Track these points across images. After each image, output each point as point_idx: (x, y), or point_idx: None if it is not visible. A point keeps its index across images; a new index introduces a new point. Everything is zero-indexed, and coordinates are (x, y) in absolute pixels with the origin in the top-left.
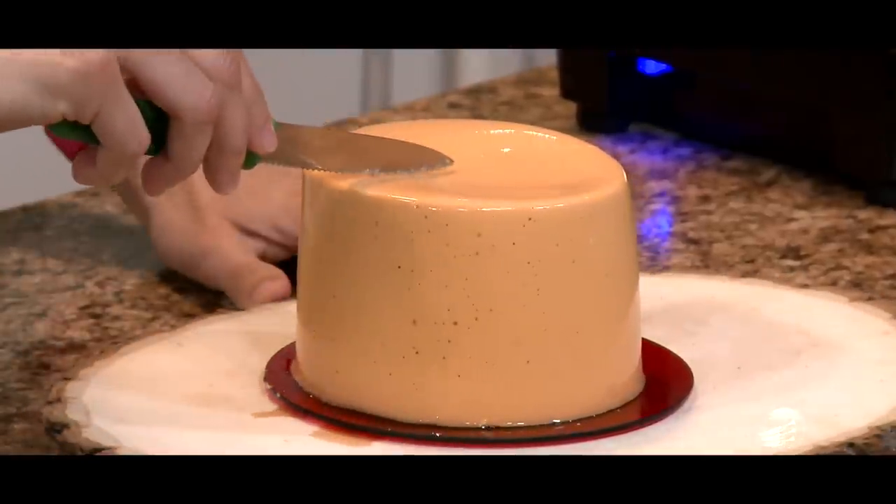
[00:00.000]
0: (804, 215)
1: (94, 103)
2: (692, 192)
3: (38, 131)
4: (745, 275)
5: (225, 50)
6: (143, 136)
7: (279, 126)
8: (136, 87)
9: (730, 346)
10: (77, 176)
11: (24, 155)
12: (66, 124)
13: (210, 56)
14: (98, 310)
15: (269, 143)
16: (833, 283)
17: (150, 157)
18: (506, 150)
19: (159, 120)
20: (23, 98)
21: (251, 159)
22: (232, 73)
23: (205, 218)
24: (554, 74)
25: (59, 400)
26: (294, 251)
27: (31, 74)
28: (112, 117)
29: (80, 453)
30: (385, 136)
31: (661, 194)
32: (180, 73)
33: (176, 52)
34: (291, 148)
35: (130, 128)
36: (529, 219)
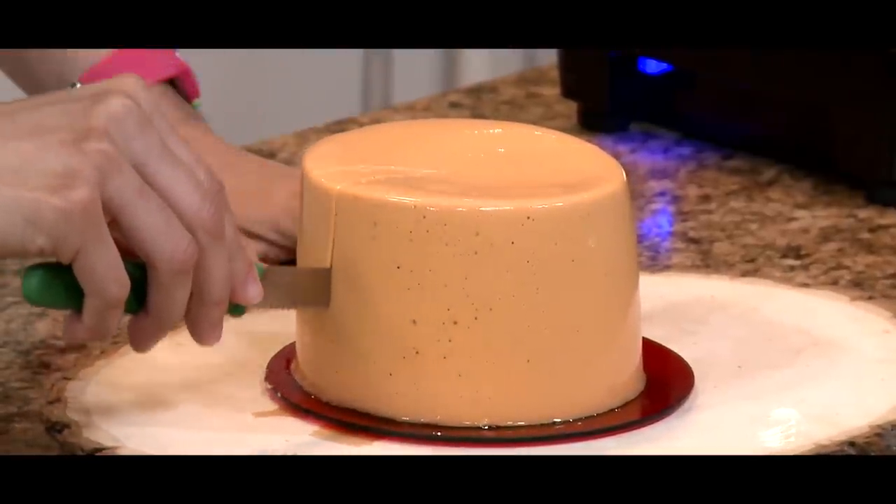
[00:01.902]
0: (805, 215)
1: (74, 242)
2: (693, 191)
3: None
4: (745, 274)
5: (209, 199)
6: (123, 279)
7: (264, 272)
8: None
9: (730, 345)
10: (67, 335)
11: None
12: (44, 283)
13: (194, 204)
14: None
15: (252, 293)
16: (834, 283)
17: (133, 315)
18: (505, 149)
19: (141, 278)
20: (2, 229)
21: (238, 308)
22: (215, 221)
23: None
24: (555, 74)
25: (59, 399)
26: (295, 253)
27: (14, 207)
28: (92, 258)
29: (80, 453)
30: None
31: (662, 194)
32: (160, 221)
33: (158, 200)
34: (278, 292)
35: (111, 270)
36: (529, 218)
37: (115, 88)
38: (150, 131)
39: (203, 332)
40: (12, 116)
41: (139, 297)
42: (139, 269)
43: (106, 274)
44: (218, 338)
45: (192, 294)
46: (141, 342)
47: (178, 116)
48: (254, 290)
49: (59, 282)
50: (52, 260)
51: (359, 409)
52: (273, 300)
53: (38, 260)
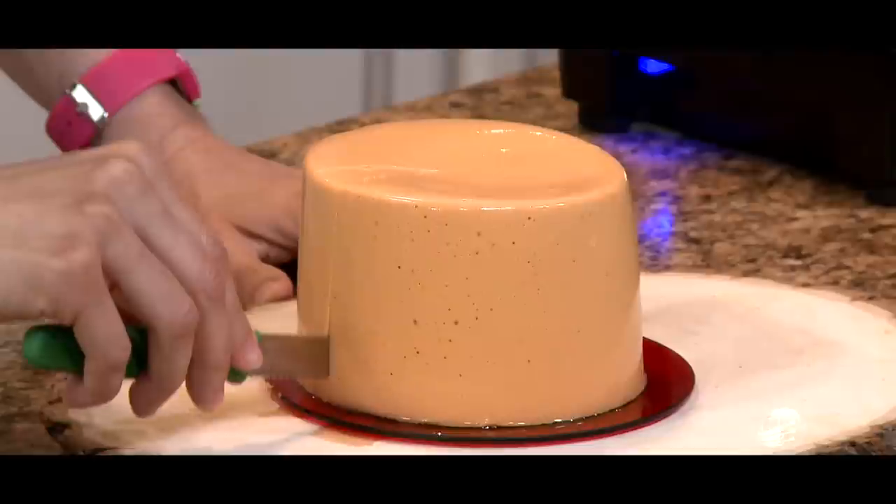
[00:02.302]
0: (806, 215)
1: (74, 304)
2: (694, 191)
3: (39, 130)
4: (746, 274)
5: (211, 264)
6: (124, 342)
7: (263, 338)
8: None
9: (731, 345)
10: (70, 400)
11: (26, 154)
12: (45, 345)
13: (195, 269)
14: None
15: (253, 359)
16: (835, 283)
17: (135, 379)
18: (506, 149)
19: (142, 342)
20: (3, 291)
21: (238, 374)
22: (216, 286)
23: (206, 221)
24: (556, 74)
25: (60, 400)
26: (296, 253)
27: (14, 270)
28: (93, 320)
29: (81, 453)
30: None
31: (663, 194)
32: (161, 285)
33: (159, 264)
34: (278, 359)
35: (111, 332)
36: (529, 218)
37: (118, 153)
38: (152, 195)
39: (204, 397)
40: (13, 180)
41: (140, 362)
42: (140, 334)
43: (107, 336)
44: (220, 402)
45: (193, 359)
46: (142, 407)
47: (179, 117)
48: (253, 356)
49: (61, 344)
50: (55, 322)
51: (359, 409)
52: (272, 369)
53: (40, 322)
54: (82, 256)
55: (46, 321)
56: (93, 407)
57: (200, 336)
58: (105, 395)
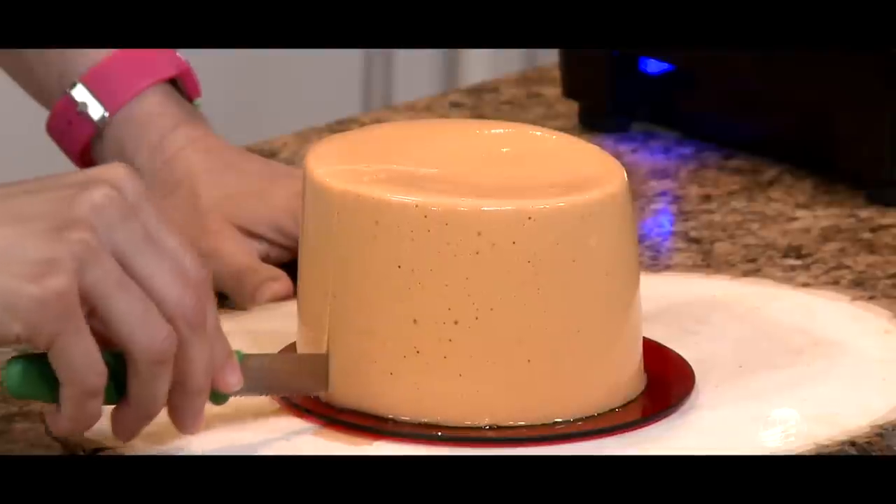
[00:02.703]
0: (806, 214)
1: (49, 330)
2: (694, 191)
3: (39, 130)
4: (746, 274)
5: (192, 289)
6: (99, 368)
7: (245, 358)
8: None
9: (731, 345)
10: (53, 428)
11: (26, 154)
12: (24, 374)
13: (175, 294)
14: None
15: (233, 381)
16: (835, 283)
17: (115, 405)
18: (506, 149)
19: (121, 368)
20: None
21: (220, 396)
22: (196, 312)
23: (207, 221)
24: (556, 74)
25: None
26: (297, 253)
27: None
28: (68, 346)
29: (81, 453)
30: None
31: (663, 193)
32: (138, 311)
33: (137, 290)
34: (260, 378)
35: (86, 359)
36: (530, 218)
37: (101, 178)
38: (134, 221)
39: (185, 421)
40: None
41: (120, 387)
42: (119, 359)
43: (82, 363)
44: (200, 426)
45: (173, 383)
46: (123, 432)
47: (179, 116)
48: (233, 378)
49: (39, 371)
50: (35, 351)
51: (359, 409)
52: (255, 388)
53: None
54: (58, 283)
55: (27, 350)
56: (75, 434)
57: (180, 361)
58: (84, 421)
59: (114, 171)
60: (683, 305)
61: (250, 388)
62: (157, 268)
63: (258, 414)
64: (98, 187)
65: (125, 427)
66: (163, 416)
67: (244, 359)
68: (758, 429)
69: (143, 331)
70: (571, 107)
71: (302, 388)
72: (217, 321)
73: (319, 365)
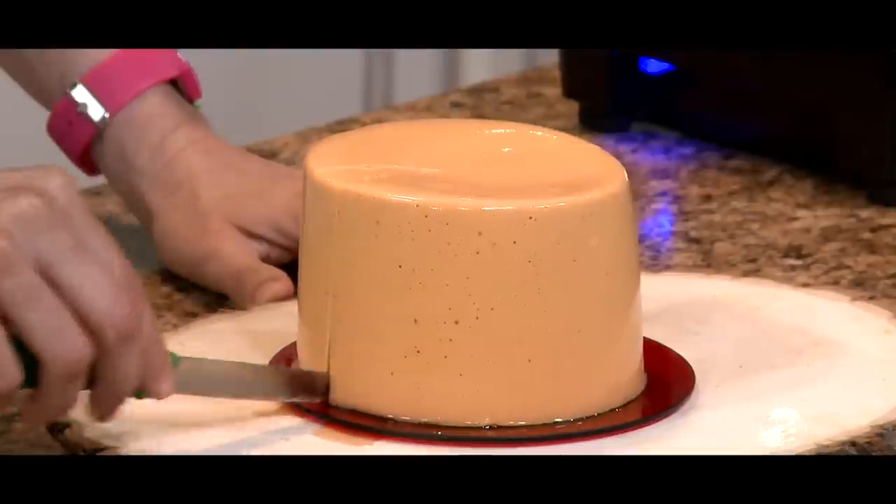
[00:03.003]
0: (806, 214)
1: None
2: (694, 191)
3: (39, 130)
4: (746, 274)
5: (123, 298)
6: (12, 373)
7: (179, 361)
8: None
9: (731, 345)
10: None
11: (26, 155)
12: None
13: (104, 303)
14: None
15: (165, 389)
16: (835, 283)
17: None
18: (507, 149)
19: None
20: None
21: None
22: (127, 321)
23: (207, 222)
24: (556, 73)
25: None
26: (297, 253)
27: None
28: None
29: (82, 453)
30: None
31: (663, 193)
32: (51, 323)
33: (53, 301)
34: (196, 381)
35: None
36: (530, 218)
37: (31, 185)
38: (61, 231)
39: (101, 413)
40: None
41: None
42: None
43: None
44: (116, 417)
45: (99, 381)
46: (33, 420)
47: (180, 117)
48: (166, 385)
49: None
50: None
51: (360, 409)
52: (190, 389)
53: None
54: None
55: None
56: None
57: (107, 368)
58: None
59: (48, 178)
60: (684, 305)
61: (186, 390)
62: (85, 277)
63: (258, 414)
64: (24, 196)
65: (36, 419)
66: (163, 416)
67: (178, 362)
68: (758, 429)
69: (54, 344)
70: (572, 107)
71: (232, 392)
72: (153, 327)
73: (252, 371)
